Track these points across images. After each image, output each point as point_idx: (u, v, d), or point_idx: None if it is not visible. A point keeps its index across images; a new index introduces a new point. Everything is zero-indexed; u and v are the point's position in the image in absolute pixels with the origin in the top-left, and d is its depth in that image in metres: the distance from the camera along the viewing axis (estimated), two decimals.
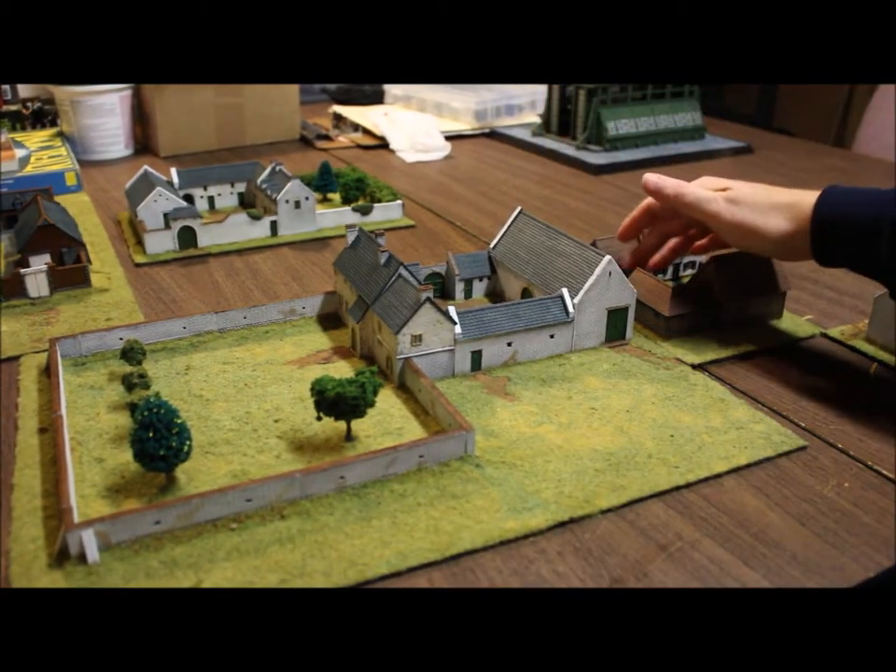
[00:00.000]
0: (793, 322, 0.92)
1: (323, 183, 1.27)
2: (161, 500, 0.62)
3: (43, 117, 1.68)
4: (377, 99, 1.96)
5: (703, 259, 1.00)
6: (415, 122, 1.73)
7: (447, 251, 0.99)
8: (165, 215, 1.12)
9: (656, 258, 0.95)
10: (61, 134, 1.57)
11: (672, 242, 0.95)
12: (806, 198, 0.78)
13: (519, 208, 0.98)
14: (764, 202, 0.81)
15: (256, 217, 1.15)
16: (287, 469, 0.66)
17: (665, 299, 0.87)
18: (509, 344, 0.81)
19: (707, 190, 0.84)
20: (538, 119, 1.81)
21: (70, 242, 1.00)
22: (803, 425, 0.73)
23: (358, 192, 1.27)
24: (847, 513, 0.62)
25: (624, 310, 0.85)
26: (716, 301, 0.88)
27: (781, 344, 0.88)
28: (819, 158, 1.66)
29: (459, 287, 0.96)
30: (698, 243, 0.94)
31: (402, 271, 0.80)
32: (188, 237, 1.11)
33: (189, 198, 1.24)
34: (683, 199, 0.84)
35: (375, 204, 1.22)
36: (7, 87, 1.69)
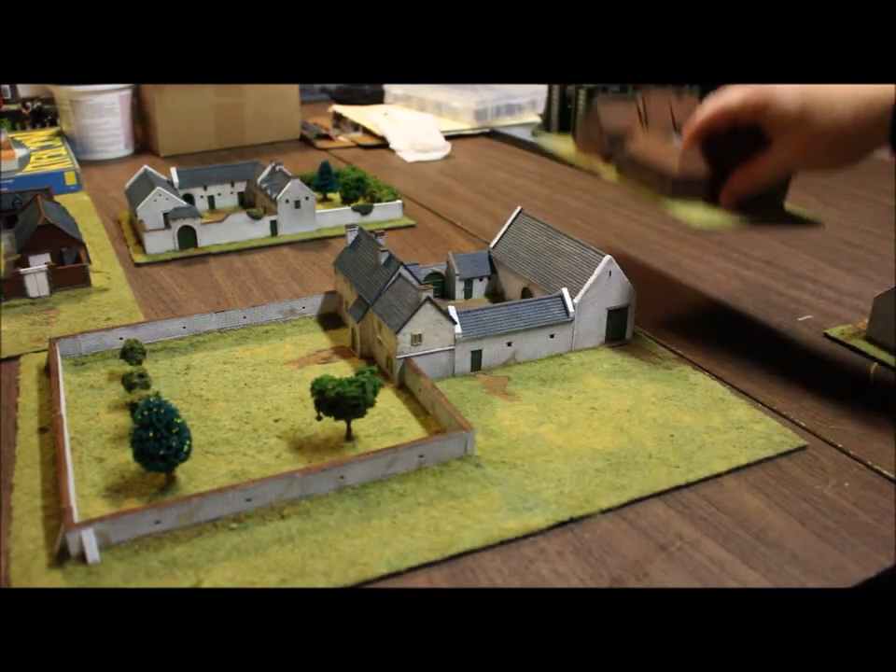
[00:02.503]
0: (798, 212, 0.88)
1: (323, 183, 1.27)
2: (160, 500, 0.62)
3: (43, 116, 1.68)
4: (377, 99, 1.96)
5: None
6: (415, 122, 1.73)
7: (447, 251, 0.99)
8: (165, 214, 1.12)
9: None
10: (60, 134, 1.57)
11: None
12: (888, 87, 0.73)
13: (519, 208, 0.98)
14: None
15: (256, 217, 1.15)
16: (287, 468, 0.66)
17: (675, 158, 0.82)
18: (509, 344, 0.81)
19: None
20: (538, 119, 1.81)
21: (70, 241, 1.00)
22: (803, 425, 0.73)
23: (358, 192, 1.27)
24: (847, 513, 0.62)
25: (625, 310, 0.85)
26: (724, 174, 0.82)
27: (781, 341, 0.88)
28: None
29: (459, 287, 0.96)
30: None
31: (402, 270, 0.80)
32: (188, 237, 1.11)
33: (189, 198, 1.24)
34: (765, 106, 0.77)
35: (375, 204, 1.22)
36: (6, 87, 1.69)
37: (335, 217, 1.20)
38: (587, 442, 0.70)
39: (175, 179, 1.24)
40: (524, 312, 0.81)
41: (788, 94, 0.76)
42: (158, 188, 1.12)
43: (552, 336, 0.82)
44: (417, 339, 0.76)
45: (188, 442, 0.63)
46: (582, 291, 0.82)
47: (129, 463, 0.65)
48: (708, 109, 0.81)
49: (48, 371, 0.79)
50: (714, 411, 0.74)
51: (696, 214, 0.80)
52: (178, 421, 0.62)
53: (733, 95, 0.80)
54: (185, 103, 1.57)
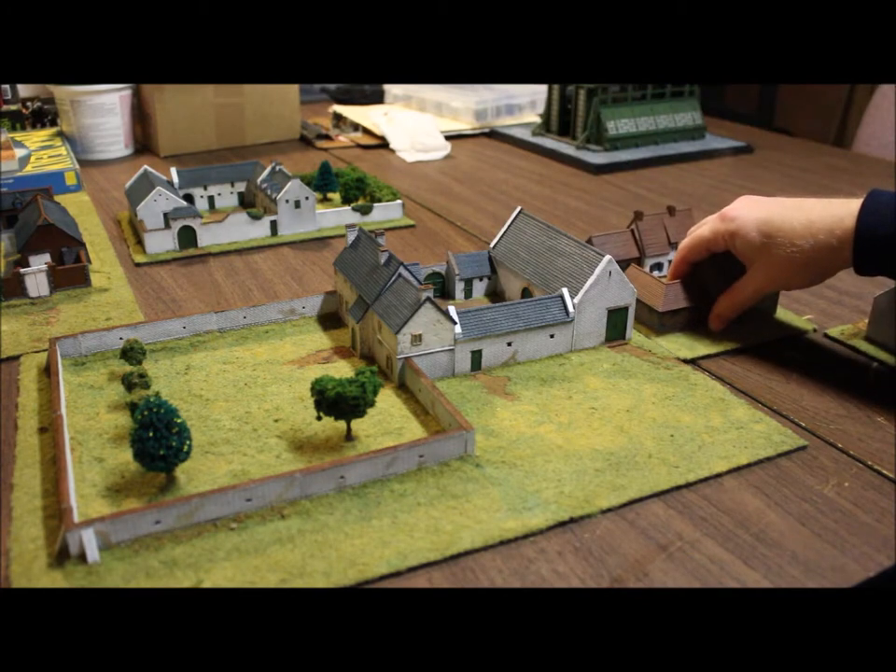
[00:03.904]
0: (789, 318, 0.92)
1: (323, 183, 1.27)
2: (160, 500, 0.62)
3: (43, 116, 1.68)
4: (377, 99, 1.96)
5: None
6: (415, 122, 1.73)
7: (447, 251, 0.99)
8: (165, 214, 1.12)
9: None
10: (61, 134, 1.57)
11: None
12: (846, 209, 0.77)
13: (519, 208, 0.98)
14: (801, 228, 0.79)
15: (256, 217, 1.15)
16: (287, 468, 0.66)
17: (659, 294, 0.87)
18: (509, 344, 0.81)
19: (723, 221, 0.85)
20: (538, 119, 1.81)
21: (70, 241, 1.00)
22: (803, 425, 0.73)
23: (358, 192, 1.27)
24: (847, 513, 0.62)
25: (624, 310, 0.85)
26: (710, 296, 0.88)
27: (779, 342, 0.88)
28: (819, 158, 1.66)
29: (459, 287, 0.96)
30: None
31: (402, 270, 0.80)
32: (188, 237, 1.11)
33: (188, 198, 1.24)
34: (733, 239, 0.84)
35: (375, 204, 1.22)
36: (6, 87, 1.69)
37: (335, 216, 1.20)
38: (587, 442, 0.70)
39: (175, 179, 1.24)
40: (524, 312, 0.81)
41: (750, 225, 0.82)
42: (158, 188, 1.12)
43: (552, 336, 0.82)
44: (417, 339, 0.76)
45: (188, 442, 0.63)
46: (582, 291, 0.82)
47: (129, 463, 0.65)
48: (686, 243, 0.89)
49: (48, 371, 0.79)
50: (714, 411, 0.74)
51: (684, 352, 0.85)
52: (178, 421, 0.62)
53: (703, 229, 0.87)
54: (185, 103, 1.57)
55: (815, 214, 0.79)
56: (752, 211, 0.83)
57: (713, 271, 0.89)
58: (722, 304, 0.87)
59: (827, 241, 0.77)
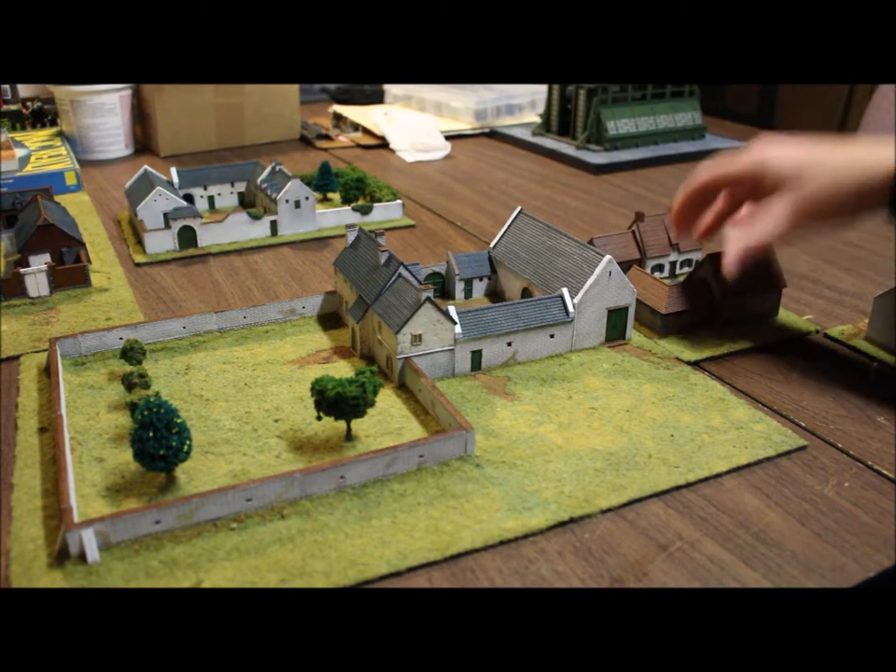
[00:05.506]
0: (791, 320, 0.92)
1: (323, 183, 1.27)
2: (160, 500, 0.62)
3: (43, 116, 1.68)
4: (377, 99, 1.96)
5: (700, 256, 1.01)
6: (415, 122, 1.73)
7: (447, 251, 0.99)
8: (165, 214, 1.12)
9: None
10: (61, 134, 1.57)
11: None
12: (885, 151, 0.72)
13: (519, 208, 0.98)
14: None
15: (256, 217, 1.15)
16: (287, 468, 0.66)
17: (663, 296, 0.87)
18: (509, 344, 0.81)
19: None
20: (538, 119, 1.81)
21: (70, 241, 1.00)
22: (803, 425, 0.73)
23: (358, 192, 1.27)
24: (847, 513, 0.62)
25: (624, 309, 0.85)
26: (712, 298, 0.88)
27: (780, 343, 0.88)
28: None
29: (459, 287, 0.96)
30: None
31: (402, 270, 0.80)
32: (188, 237, 1.11)
33: (189, 198, 1.24)
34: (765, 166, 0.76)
35: (375, 204, 1.22)
36: (6, 87, 1.69)
37: (335, 216, 1.20)
38: (587, 442, 0.70)
39: (175, 179, 1.24)
40: (524, 312, 0.81)
41: (787, 157, 0.76)
42: (158, 188, 1.12)
43: (552, 336, 0.82)
44: (417, 339, 0.76)
45: (188, 442, 0.63)
46: (582, 291, 0.82)
47: (129, 463, 0.65)
48: (705, 174, 0.81)
49: (48, 371, 0.79)
50: (714, 411, 0.74)
51: (687, 353, 0.84)
52: (178, 421, 0.62)
53: (731, 162, 0.79)
54: (185, 103, 1.57)
55: (851, 153, 0.75)
56: (783, 149, 0.77)
57: (716, 273, 0.89)
58: (741, 241, 0.75)
59: (870, 183, 0.72)
